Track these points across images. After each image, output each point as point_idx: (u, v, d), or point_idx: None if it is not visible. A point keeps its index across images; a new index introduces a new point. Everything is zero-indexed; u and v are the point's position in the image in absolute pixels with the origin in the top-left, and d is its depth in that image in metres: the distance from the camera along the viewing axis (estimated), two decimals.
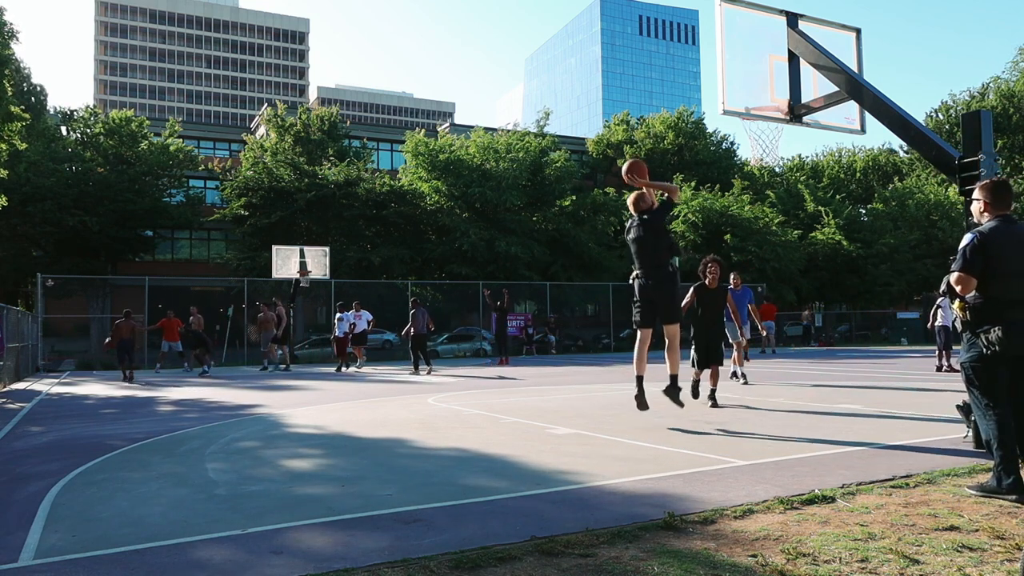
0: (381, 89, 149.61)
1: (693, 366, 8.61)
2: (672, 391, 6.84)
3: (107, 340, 17.89)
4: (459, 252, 29.98)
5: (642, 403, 6.80)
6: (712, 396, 8.64)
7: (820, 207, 37.93)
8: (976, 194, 4.28)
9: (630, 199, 7.01)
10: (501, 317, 21.00)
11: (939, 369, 14.12)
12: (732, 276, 11.19)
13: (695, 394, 8.52)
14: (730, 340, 11.03)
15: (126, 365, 16.56)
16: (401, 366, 19.42)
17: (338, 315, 19.46)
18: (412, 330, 16.91)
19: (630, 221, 6.99)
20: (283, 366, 19.32)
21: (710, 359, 8.56)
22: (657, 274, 6.76)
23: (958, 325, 4.24)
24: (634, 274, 6.96)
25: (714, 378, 8.73)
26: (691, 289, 8.74)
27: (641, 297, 6.85)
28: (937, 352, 14.64)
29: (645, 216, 6.84)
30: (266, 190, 29.81)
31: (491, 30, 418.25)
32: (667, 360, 6.89)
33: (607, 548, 3.19)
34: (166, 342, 19.13)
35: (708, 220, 34.05)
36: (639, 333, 6.88)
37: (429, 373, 16.54)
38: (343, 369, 18.83)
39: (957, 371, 11.70)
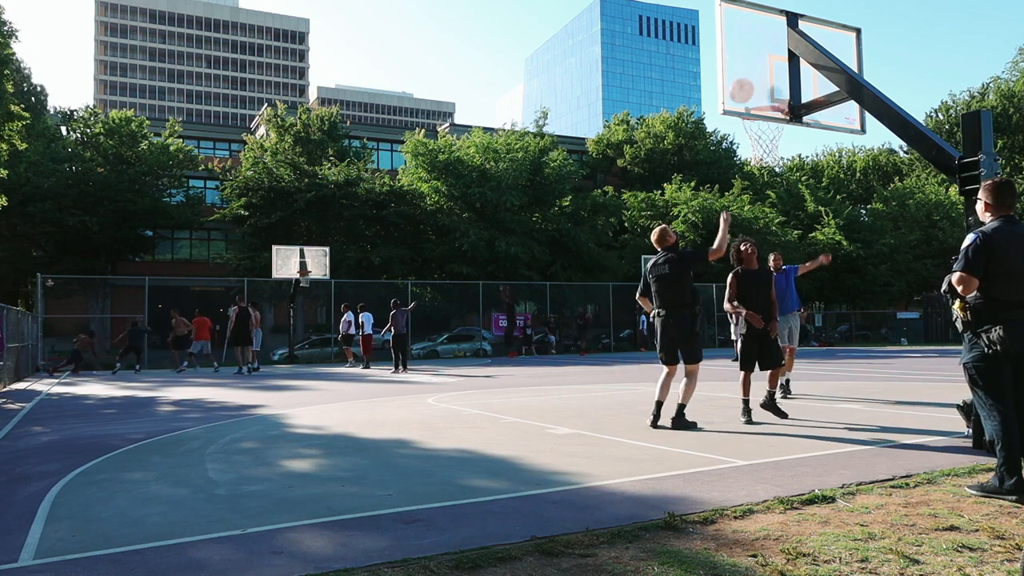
0: (381, 89, 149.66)
1: (742, 369, 7.42)
2: (680, 422, 6.85)
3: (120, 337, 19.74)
4: (459, 252, 29.99)
5: (655, 425, 6.91)
6: (771, 400, 7.46)
7: (820, 207, 37.95)
8: (979, 194, 4.28)
9: (655, 234, 6.98)
10: (511, 315, 22.01)
11: None
12: (772, 257, 9.25)
13: (748, 415, 7.25)
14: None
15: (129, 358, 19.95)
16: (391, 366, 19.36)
17: (362, 316, 19.82)
18: (393, 330, 17.86)
19: (656, 257, 6.94)
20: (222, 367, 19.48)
21: (764, 362, 7.24)
22: (678, 313, 6.78)
23: (959, 325, 4.23)
24: (654, 312, 6.93)
25: (772, 380, 7.50)
26: (729, 278, 7.47)
27: (663, 336, 6.88)
28: None
29: (672, 254, 6.86)
30: (266, 190, 29.83)
31: (491, 30, 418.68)
32: (682, 390, 6.87)
33: (607, 548, 3.19)
34: (197, 342, 19.81)
35: (708, 220, 34.04)
36: (666, 368, 6.95)
37: (405, 371, 17.33)
38: (369, 367, 19.54)
39: None
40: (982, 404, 4.14)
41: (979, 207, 4.28)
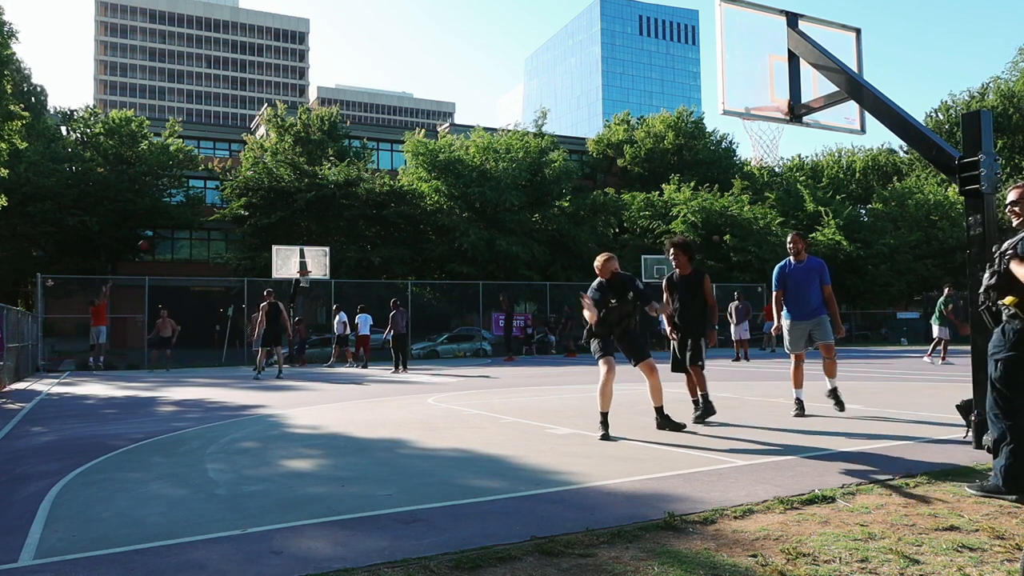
0: (381, 89, 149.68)
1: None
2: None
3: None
4: (459, 252, 29.99)
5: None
6: (697, 404, 7.42)
7: (820, 207, 37.95)
8: (1010, 203, 4.14)
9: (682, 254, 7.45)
10: (509, 323, 22.65)
11: None
12: (791, 241, 7.78)
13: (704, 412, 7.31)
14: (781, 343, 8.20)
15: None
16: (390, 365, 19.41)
17: (359, 317, 20.30)
18: (392, 331, 18.10)
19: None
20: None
21: (689, 360, 7.33)
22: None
23: (1004, 318, 4.03)
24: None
25: (700, 383, 7.42)
26: (663, 283, 7.68)
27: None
28: None
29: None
30: (266, 190, 29.82)
31: (491, 30, 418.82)
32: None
33: (607, 548, 3.19)
34: (97, 327, 19.69)
35: (707, 220, 34.05)
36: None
37: (405, 371, 17.41)
38: (367, 366, 20.00)
39: None
40: (998, 402, 4.02)
41: (1014, 217, 4.14)
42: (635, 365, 6.66)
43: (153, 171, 32.21)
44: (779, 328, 7.83)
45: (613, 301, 6.53)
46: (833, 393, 7.74)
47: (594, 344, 6.69)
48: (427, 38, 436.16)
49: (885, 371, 14.67)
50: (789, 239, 7.75)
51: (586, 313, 6.50)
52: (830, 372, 7.71)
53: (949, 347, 17.38)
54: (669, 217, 34.87)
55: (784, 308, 7.74)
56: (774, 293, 7.85)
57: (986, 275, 4.11)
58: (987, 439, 5.26)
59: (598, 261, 6.70)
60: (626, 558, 3.04)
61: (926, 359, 16.96)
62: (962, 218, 33.86)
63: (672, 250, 7.51)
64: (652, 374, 6.65)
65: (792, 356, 7.77)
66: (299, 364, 21.88)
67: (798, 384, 7.87)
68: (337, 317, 21.01)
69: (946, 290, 17.17)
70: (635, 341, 6.75)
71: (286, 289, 23.94)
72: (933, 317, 17.29)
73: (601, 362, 6.54)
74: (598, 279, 6.69)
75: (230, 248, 35.73)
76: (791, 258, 7.71)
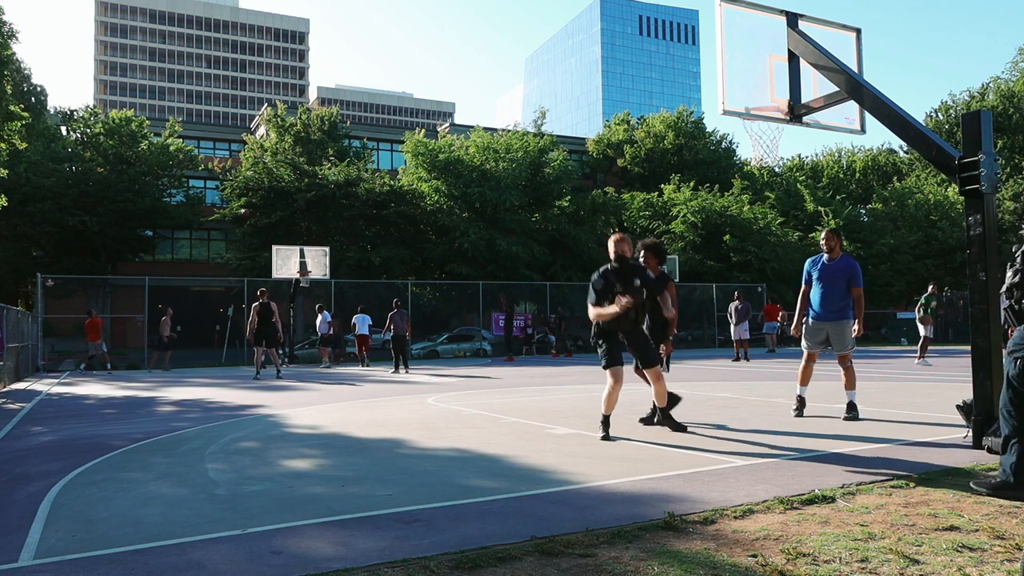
0: (381, 89, 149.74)
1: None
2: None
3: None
4: (459, 252, 30.01)
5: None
6: (651, 415, 7.14)
7: (820, 207, 37.96)
8: None
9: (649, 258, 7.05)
10: (509, 323, 22.72)
11: None
12: (824, 238, 7.43)
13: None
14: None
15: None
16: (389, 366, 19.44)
17: (359, 317, 20.58)
18: (392, 331, 18.11)
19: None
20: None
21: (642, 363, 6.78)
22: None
23: None
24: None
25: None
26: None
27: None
28: None
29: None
30: (266, 190, 29.85)
31: (491, 30, 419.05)
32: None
33: (607, 548, 3.19)
34: (92, 343, 19.35)
35: (707, 220, 34.04)
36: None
37: (407, 372, 17.35)
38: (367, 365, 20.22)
39: None
40: (1013, 400, 3.99)
41: None
42: (641, 367, 6.55)
43: (153, 171, 32.24)
44: (797, 329, 7.57)
45: (618, 287, 6.27)
46: (850, 408, 7.44)
47: (601, 349, 6.47)
48: (427, 38, 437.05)
49: (885, 371, 14.67)
50: (823, 236, 7.44)
51: (592, 311, 6.27)
52: (848, 383, 7.46)
53: (929, 346, 17.28)
54: (669, 217, 34.86)
55: (808, 305, 7.48)
56: (803, 288, 7.55)
57: (1009, 274, 4.11)
58: (987, 440, 5.27)
59: (612, 239, 6.37)
60: (626, 558, 3.04)
61: (916, 362, 16.95)
62: (962, 218, 33.97)
63: (643, 252, 7.23)
64: (658, 381, 6.50)
65: (805, 353, 7.61)
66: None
67: (804, 382, 7.70)
68: (320, 316, 21.00)
69: (930, 287, 17.09)
70: (644, 342, 6.52)
71: (286, 289, 23.98)
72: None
73: (609, 373, 6.33)
74: (604, 266, 6.44)
75: (230, 248, 35.76)
76: (824, 255, 7.42)
